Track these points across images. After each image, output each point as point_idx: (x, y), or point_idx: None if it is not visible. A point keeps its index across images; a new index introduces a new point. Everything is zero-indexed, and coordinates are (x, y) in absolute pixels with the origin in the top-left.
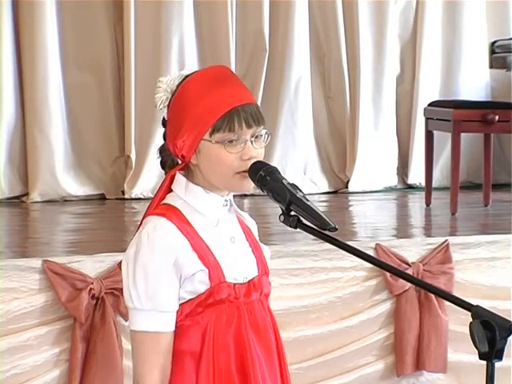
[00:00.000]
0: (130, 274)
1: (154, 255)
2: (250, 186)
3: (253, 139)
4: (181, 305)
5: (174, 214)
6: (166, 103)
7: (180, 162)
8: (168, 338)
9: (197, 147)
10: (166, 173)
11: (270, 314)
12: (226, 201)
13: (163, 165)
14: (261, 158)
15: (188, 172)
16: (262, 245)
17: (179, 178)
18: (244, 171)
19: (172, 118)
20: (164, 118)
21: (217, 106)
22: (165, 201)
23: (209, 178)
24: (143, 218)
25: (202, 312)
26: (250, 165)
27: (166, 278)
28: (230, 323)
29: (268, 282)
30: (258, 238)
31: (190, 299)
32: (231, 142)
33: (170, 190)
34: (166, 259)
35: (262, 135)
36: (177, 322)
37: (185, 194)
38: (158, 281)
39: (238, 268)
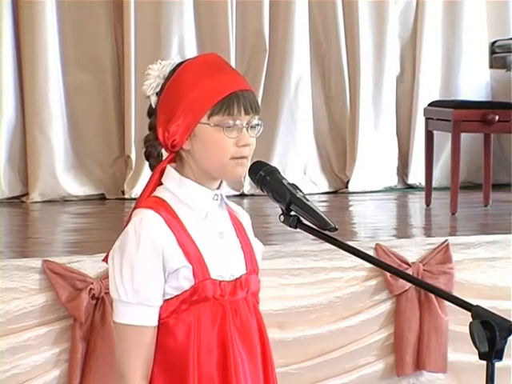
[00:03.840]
0: (117, 266)
1: (140, 248)
2: (242, 173)
3: (248, 126)
4: (166, 301)
5: (162, 207)
6: (157, 89)
7: (167, 152)
8: (151, 332)
9: (192, 131)
10: (150, 165)
11: (256, 315)
12: (216, 195)
13: (148, 156)
14: (253, 149)
15: (178, 164)
16: (255, 240)
17: (170, 171)
18: (239, 157)
19: (165, 104)
20: (151, 107)
21: (216, 90)
22: (154, 193)
23: (202, 163)
24: (132, 211)
25: (187, 309)
26: (244, 151)
27: (153, 272)
28: (214, 322)
29: (257, 280)
30: (251, 232)
31: (175, 296)
32: (229, 126)
33: (160, 183)
34: (153, 252)
35: (257, 124)
36: (162, 319)
37: (176, 187)
38: (144, 274)
39: (225, 265)
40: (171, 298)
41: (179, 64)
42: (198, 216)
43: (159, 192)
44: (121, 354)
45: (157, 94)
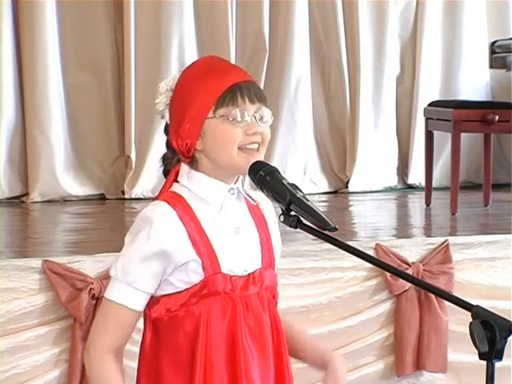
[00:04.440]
0: (124, 247)
1: (143, 233)
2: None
3: (256, 115)
4: (176, 294)
5: (177, 202)
6: (167, 103)
7: (184, 158)
8: (131, 316)
9: (201, 129)
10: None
11: (270, 311)
12: (232, 189)
13: (166, 173)
14: (268, 137)
15: (192, 164)
16: (277, 233)
17: (183, 168)
18: (248, 145)
19: (173, 112)
20: (167, 124)
21: (218, 85)
22: (171, 189)
23: (214, 158)
24: None
25: (197, 303)
26: (254, 139)
27: (148, 257)
28: (224, 316)
29: (273, 274)
30: (274, 221)
31: (185, 289)
32: (235, 116)
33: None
34: (154, 240)
35: (265, 115)
36: (171, 312)
37: (188, 182)
38: (138, 257)
39: (238, 260)
40: (181, 292)
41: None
42: (213, 210)
43: (175, 188)
44: (94, 327)
45: (169, 106)
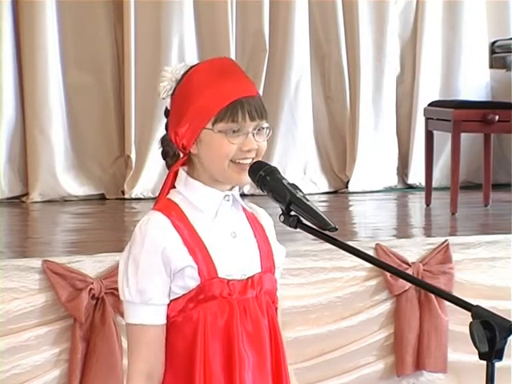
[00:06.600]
0: (123, 267)
1: (143, 248)
2: (245, 180)
3: (255, 132)
4: (173, 300)
5: (172, 209)
6: (170, 92)
7: (181, 153)
8: (157, 331)
9: (198, 136)
10: (167, 164)
11: (269, 315)
12: (227, 196)
13: (164, 155)
14: (263, 151)
15: (189, 166)
16: (276, 244)
17: (181, 174)
18: (240, 160)
19: (175, 107)
20: (167, 108)
21: (221, 97)
22: (168, 196)
23: (208, 167)
24: None
25: (194, 308)
26: (248, 155)
27: (155, 271)
28: (221, 320)
29: (272, 279)
30: (272, 235)
31: (182, 295)
32: (233, 132)
33: (175, 186)
34: (154, 251)
35: (263, 128)
36: (170, 318)
37: (184, 189)
38: (146, 273)
39: (236, 264)
40: (178, 298)
41: (192, 67)
42: (207, 216)
43: (172, 195)
44: (128, 354)
45: (171, 95)
